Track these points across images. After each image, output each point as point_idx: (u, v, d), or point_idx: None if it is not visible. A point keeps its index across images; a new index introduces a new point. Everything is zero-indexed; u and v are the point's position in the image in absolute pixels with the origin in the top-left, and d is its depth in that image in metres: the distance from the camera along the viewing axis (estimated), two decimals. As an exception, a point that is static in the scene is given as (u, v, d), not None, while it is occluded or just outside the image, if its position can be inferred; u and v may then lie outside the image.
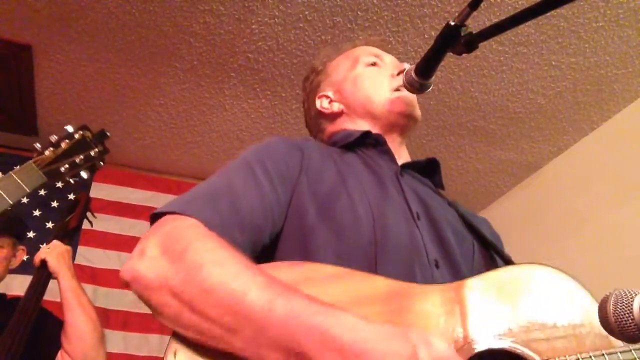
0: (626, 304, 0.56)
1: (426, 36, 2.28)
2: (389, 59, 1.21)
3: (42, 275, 1.73)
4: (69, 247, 1.82)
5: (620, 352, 0.66)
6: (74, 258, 2.63)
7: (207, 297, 0.63)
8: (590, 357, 0.66)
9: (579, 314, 0.71)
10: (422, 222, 0.92)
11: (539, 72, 2.46)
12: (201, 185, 0.86)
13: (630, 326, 0.55)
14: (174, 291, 0.66)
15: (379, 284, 0.73)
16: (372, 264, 0.80)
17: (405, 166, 1.06)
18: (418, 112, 1.13)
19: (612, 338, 0.68)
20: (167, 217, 0.76)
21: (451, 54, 0.93)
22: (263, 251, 0.85)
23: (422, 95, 1.11)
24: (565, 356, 0.67)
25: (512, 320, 0.71)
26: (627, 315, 0.55)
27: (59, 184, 2.86)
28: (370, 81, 1.15)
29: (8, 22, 2.24)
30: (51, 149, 1.48)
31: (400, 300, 0.71)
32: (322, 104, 1.19)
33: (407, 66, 1.13)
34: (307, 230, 0.84)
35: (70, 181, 1.48)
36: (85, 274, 2.65)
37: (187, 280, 0.65)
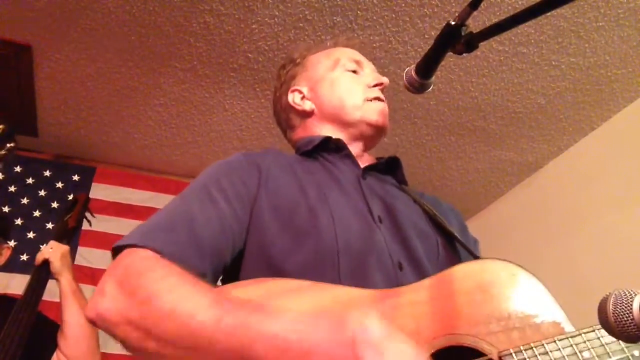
0: (626, 304, 0.56)
1: (426, 36, 2.28)
2: (368, 69, 1.20)
3: (42, 274, 1.74)
4: (68, 247, 1.84)
5: (571, 337, 0.69)
6: (73, 258, 2.64)
7: (163, 324, 0.66)
8: (543, 344, 0.69)
9: (533, 304, 0.74)
10: (385, 225, 0.93)
11: (539, 72, 2.46)
12: (160, 213, 0.87)
13: (630, 326, 0.55)
14: (134, 323, 0.69)
15: (338, 293, 0.75)
16: (335, 272, 0.82)
17: (367, 168, 1.06)
18: (388, 124, 1.13)
19: (563, 325, 0.72)
20: (126, 251, 0.79)
21: (451, 53, 0.93)
22: (225, 271, 0.87)
23: (422, 95, 1.11)
24: (520, 346, 0.69)
25: (469, 315, 0.73)
26: (626, 315, 0.55)
27: (59, 185, 2.89)
28: (346, 87, 1.14)
29: (8, 22, 2.24)
30: None
31: (359, 307, 0.72)
32: (294, 98, 1.18)
33: (385, 80, 1.15)
34: (269, 245, 0.86)
35: None
36: (85, 275, 2.65)
37: (142, 311, 0.69)
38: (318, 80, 1.17)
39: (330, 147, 1.08)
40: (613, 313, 0.56)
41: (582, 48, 2.33)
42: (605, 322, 0.57)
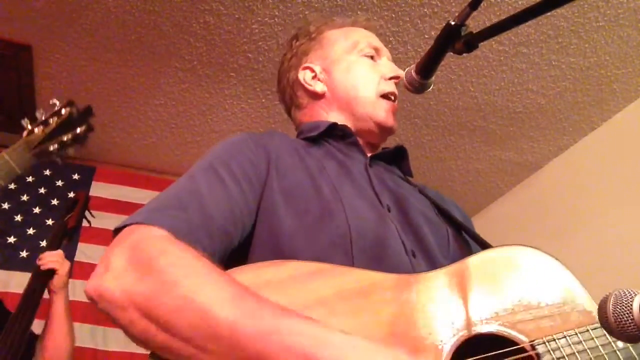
0: (626, 304, 0.56)
1: (426, 36, 2.28)
2: (385, 58, 1.16)
3: (40, 281, 1.71)
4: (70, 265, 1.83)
5: None
6: (73, 255, 2.64)
7: (175, 314, 0.59)
8: (576, 333, 0.67)
9: (562, 292, 0.72)
10: (393, 214, 0.91)
11: (539, 72, 2.46)
12: (166, 192, 0.82)
13: (630, 326, 0.55)
14: (141, 309, 0.61)
15: (360, 277, 0.72)
16: (348, 259, 0.79)
17: (373, 157, 1.04)
18: (396, 125, 1.10)
19: (595, 314, 0.68)
20: (132, 227, 0.71)
21: (451, 53, 0.93)
22: (233, 254, 0.82)
23: (422, 95, 1.11)
24: (551, 335, 0.68)
25: (497, 303, 0.71)
26: (626, 315, 0.55)
27: (60, 183, 2.90)
28: (362, 75, 1.09)
29: (8, 22, 2.24)
30: (41, 127, 1.40)
31: (384, 291, 0.71)
32: (305, 76, 1.12)
33: (401, 73, 1.09)
34: (279, 229, 0.82)
35: (57, 160, 1.40)
36: (85, 271, 2.65)
37: (153, 297, 0.61)
38: (333, 61, 1.12)
39: (336, 133, 1.05)
40: (613, 313, 0.56)
41: (582, 48, 2.33)
42: (605, 322, 0.57)
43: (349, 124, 1.07)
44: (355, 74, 1.10)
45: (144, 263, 0.64)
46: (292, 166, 0.91)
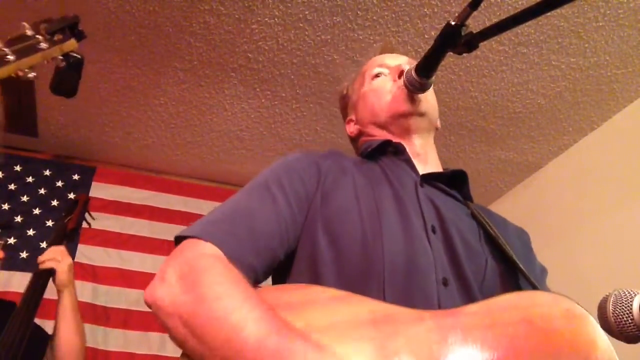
0: (626, 304, 0.56)
1: (426, 36, 2.28)
2: (393, 62, 1.18)
3: (42, 282, 1.71)
4: (72, 261, 1.82)
5: None
6: (73, 256, 2.65)
7: (209, 328, 0.68)
8: None
9: (584, 343, 0.66)
10: (437, 236, 0.91)
11: (539, 72, 2.46)
12: (222, 207, 0.90)
13: (630, 326, 0.55)
14: (183, 318, 0.71)
15: (376, 307, 0.73)
16: (380, 287, 0.81)
17: (428, 176, 1.03)
18: (421, 107, 1.08)
19: None
20: (188, 242, 0.80)
21: (451, 53, 0.93)
22: (278, 267, 0.88)
23: (423, 96, 1.11)
24: None
25: (511, 348, 0.67)
26: (626, 315, 0.55)
27: (60, 184, 2.89)
28: (374, 93, 1.16)
29: (8, 22, 2.24)
30: None
31: (395, 324, 0.70)
32: (349, 129, 1.24)
33: (405, 66, 1.11)
34: (316, 250, 0.87)
35: None
36: (86, 272, 2.66)
37: (193, 310, 0.71)
38: (355, 102, 1.23)
39: (389, 150, 1.09)
40: (613, 313, 0.56)
41: (582, 48, 2.33)
42: (605, 322, 0.57)
43: (393, 138, 1.10)
44: (369, 96, 1.17)
45: (191, 279, 0.74)
46: (340, 187, 0.95)
